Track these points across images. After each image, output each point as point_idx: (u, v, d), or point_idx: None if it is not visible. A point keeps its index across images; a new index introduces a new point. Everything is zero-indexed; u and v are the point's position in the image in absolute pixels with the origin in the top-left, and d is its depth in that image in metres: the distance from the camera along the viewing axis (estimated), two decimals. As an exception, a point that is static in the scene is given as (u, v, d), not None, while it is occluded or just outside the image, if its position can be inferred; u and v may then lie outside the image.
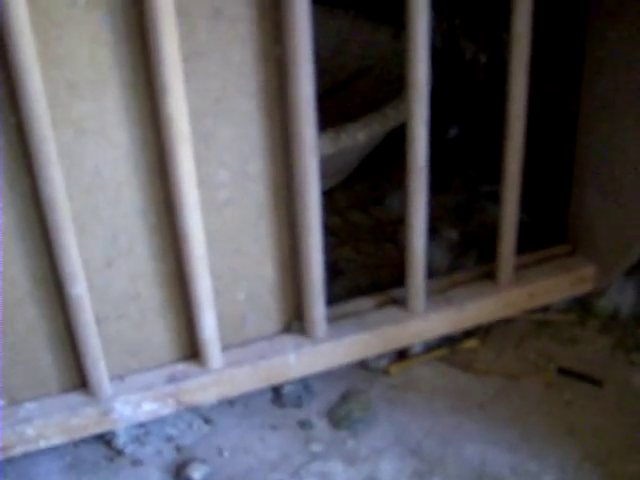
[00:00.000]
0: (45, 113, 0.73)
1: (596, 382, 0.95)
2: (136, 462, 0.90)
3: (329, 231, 0.92)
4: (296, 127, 0.80)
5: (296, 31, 0.77)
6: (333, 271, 1.02)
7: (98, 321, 0.84)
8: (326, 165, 0.88)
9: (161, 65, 0.74)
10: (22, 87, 0.71)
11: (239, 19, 0.77)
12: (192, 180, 0.79)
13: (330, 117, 0.92)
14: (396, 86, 1.14)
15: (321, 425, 0.92)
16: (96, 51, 0.74)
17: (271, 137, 0.82)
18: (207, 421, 0.93)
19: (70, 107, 0.75)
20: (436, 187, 0.94)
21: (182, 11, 0.74)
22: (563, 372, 0.96)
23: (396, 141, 1.07)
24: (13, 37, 0.69)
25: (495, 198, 0.98)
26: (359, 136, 1.09)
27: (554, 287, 1.00)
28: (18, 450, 0.86)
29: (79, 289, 0.81)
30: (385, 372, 0.97)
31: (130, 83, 0.75)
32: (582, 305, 1.03)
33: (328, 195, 1.09)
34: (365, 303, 0.96)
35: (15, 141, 0.74)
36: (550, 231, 1.06)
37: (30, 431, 0.86)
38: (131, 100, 0.76)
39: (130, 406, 0.88)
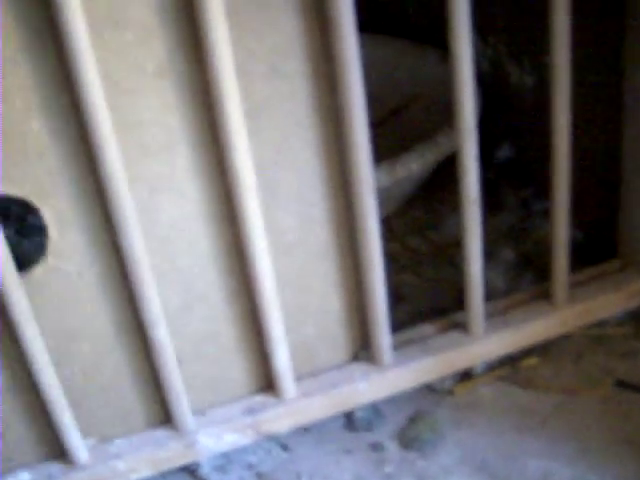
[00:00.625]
0: (122, 174, 0.78)
1: (653, 393, 0.99)
2: (220, 490, 0.96)
3: (389, 257, 0.96)
4: (353, 170, 0.85)
5: (348, 83, 0.81)
6: (395, 297, 1.06)
7: (179, 361, 0.90)
8: (382, 195, 0.92)
9: (225, 123, 0.79)
10: (100, 152, 0.77)
11: (294, 75, 0.82)
12: (260, 226, 0.85)
13: (383, 144, 0.96)
14: (446, 111, 1.19)
15: (392, 447, 0.97)
16: (165, 115, 0.79)
17: (331, 181, 0.87)
18: (285, 448, 0.98)
19: (144, 167, 0.81)
20: (490, 208, 0.98)
21: (242, 72, 0.79)
22: (620, 385, 1.00)
23: (449, 164, 1.12)
24: (90, 108, 0.75)
25: (548, 216, 1.02)
26: (413, 166, 1.13)
27: (608, 303, 1.04)
28: (111, 484, 0.93)
29: (161, 333, 0.87)
30: (450, 393, 1.01)
31: (198, 142, 0.81)
32: (636, 318, 1.06)
33: (386, 222, 1.14)
34: (428, 329, 1.01)
35: (95, 202, 0.81)
36: (602, 247, 1.10)
37: (121, 466, 0.92)
38: (200, 157, 0.82)
39: (212, 438, 0.94)
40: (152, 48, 0.76)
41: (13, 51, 0.73)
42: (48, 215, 0.80)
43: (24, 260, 0.81)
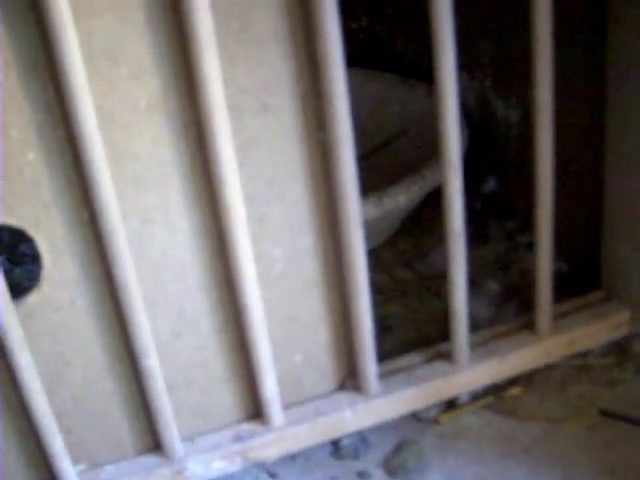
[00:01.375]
0: (115, 205, 0.80)
1: (636, 422, 0.99)
2: (208, 516, 0.97)
3: (376, 288, 0.98)
4: (341, 204, 0.88)
5: (336, 117, 0.84)
6: (381, 327, 1.08)
7: (169, 388, 0.91)
8: (370, 227, 0.93)
9: (217, 158, 0.81)
10: (93, 184, 0.79)
11: (284, 111, 0.84)
12: (249, 257, 0.86)
13: (370, 177, 0.98)
14: (433, 145, 1.21)
15: (378, 475, 0.98)
16: (158, 148, 0.81)
17: (319, 214, 0.89)
18: (272, 475, 0.99)
19: (137, 199, 0.83)
20: (475, 239, 1.00)
21: (233, 107, 0.81)
22: (604, 414, 1.01)
23: (437, 196, 1.14)
24: (85, 140, 0.77)
25: (532, 248, 1.04)
26: (400, 200, 1.15)
27: (592, 333, 1.05)
28: (100, 510, 0.94)
29: (151, 361, 0.88)
30: (435, 422, 1.03)
31: (190, 175, 0.83)
32: (620, 348, 1.08)
33: (373, 253, 1.16)
34: (414, 359, 1.02)
35: (89, 232, 0.82)
36: (585, 278, 1.12)
37: (111, 492, 0.94)
38: (191, 190, 0.84)
39: (201, 465, 0.95)
40: (146, 83, 0.79)
41: (11, 84, 0.75)
42: (42, 244, 0.82)
43: (15, 288, 0.82)
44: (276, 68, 0.82)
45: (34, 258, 0.83)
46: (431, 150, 1.20)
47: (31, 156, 0.78)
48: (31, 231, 0.81)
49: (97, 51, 0.76)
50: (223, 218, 0.84)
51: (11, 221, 0.80)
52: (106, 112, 0.78)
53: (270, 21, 0.80)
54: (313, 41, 0.81)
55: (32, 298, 0.84)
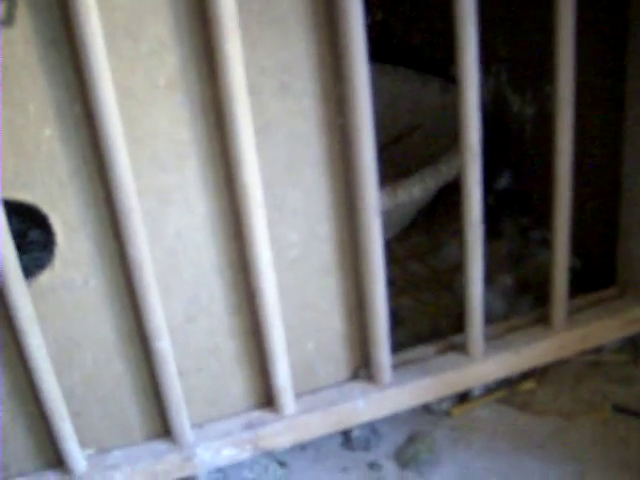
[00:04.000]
0: (131, 184, 0.80)
1: (650, 419, 0.99)
2: (216, 504, 0.96)
3: (389, 281, 0.97)
4: (359, 191, 0.87)
5: (357, 103, 0.83)
6: (394, 319, 1.07)
7: (180, 373, 0.90)
8: (384, 219, 0.93)
9: (235, 139, 0.80)
10: (110, 162, 0.78)
11: (304, 94, 0.83)
12: (265, 241, 0.85)
13: (384, 171, 0.98)
14: (447, 139, 1.20)
15: (389, 466, 0.97)
16: (176, 128, 0.81)
17: (336, 200, 0.88)
18: (282, 465, 0.98)
19: (153, 179, 0.82)
20: (489, 234, 0.99)
21: (253, 88, 0.80)
22: (617, 410, 1.00)
23: (451, 191, 1.13)
24: (103, 117, 0.76)
25: (546, 244, 1.03)
26: (414, 191, 1.15)
27: (606, 329, 1.05)
28: (107, 495, 0.93)
29: (163, 343, 0.87)
30: (448, 414, 1.02)
31: (208, 156, 0.82)
32: (634, 345, 1.07)
33: (386, 246, 1.15)
34: (427, 350, 1.02)
35: (104, 211, 0.82)
36: (600, 274, 1.11)
37: (118, 477, 0.92)
38: (209, 171, 0.83)
39: (210, 452, 0.94)
40: (165, 61, 0.78)
41: (30, 58, 0.74)
42: (56, 222, 0.81)
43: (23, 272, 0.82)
44: (297, 49, 0.81)
45: (43, 244, 0.82)
46: (445, 145, 1.21)
47: (48, 132, 0.77)
48: (45, 208, 0.80)
49: (117, 27, 0.75)
50: (240, 201, 0.83)
51: (26, 197, 0.79)
52: (125, 89, 0.78)
53: (292, 1, 0.79)
54: (335, 24, 0.80)
55: (44, 277, 0.83)
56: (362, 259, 0.91)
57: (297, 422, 0.96)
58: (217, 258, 0.87)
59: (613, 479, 0.93)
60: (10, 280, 0.80)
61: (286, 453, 0.98)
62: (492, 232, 1.20)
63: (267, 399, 0.96)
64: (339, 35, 0.80)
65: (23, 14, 0.73)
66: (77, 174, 0.79)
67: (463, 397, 1.03)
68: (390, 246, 1.25)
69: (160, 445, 0.94)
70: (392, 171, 1.17)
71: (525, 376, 1.04)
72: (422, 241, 1.28)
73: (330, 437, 0.99)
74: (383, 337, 0.95)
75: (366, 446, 0.99)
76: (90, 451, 0.93)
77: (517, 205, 1.29)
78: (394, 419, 1.00)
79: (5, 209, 0.77)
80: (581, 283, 1.09)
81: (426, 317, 1.14)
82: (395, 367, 0.98)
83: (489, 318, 1.02)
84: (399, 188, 1.14)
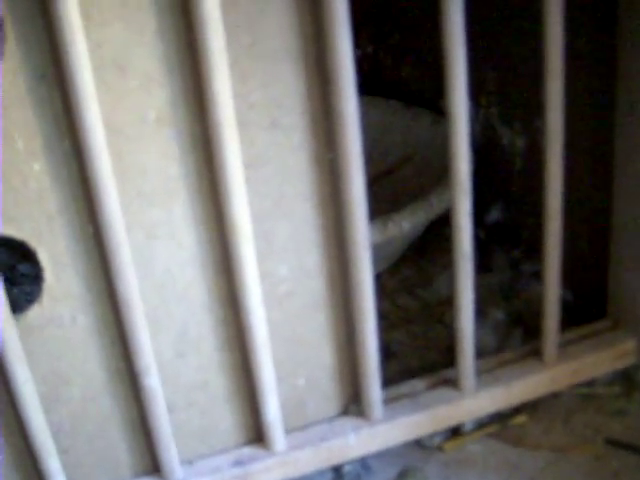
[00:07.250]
0: (120, 220, 0.79)
1: (642, 452, 0.99)
2: (206, 542, 0.95)
3: (379, 315, 0.97)
4: (349, 225, 0.86)
5: (346, 137, 0.83)
6: (385, 354, 1.07)
7: (169, 409, 0.89)
8: (374, 253, 0.92)
9: (224, 174, 0.80)
10: (99, 197, 0.78)
11: (293, 129, 0.83)
12: (255, 276, 0.85)
13: (374, 204, 0.97)
14: (437, 171, 1.20)
15: (380, 502, 0.97)
16: (165, 162, 0.80)
17: (326, 234, 0.88)
18: (272, 501, 0.97)
19: (142, 214, 0.81)
20: (480, 267, 0.99)
21: (242, 123, 0.80)
22: (610, 443, 1.00)
23: (441, 224, 1.13)
24: (91, 152, 0.76)
25: (537, 277, 1.03)
26: (405, 225, 1.14)
27: (598, 362, 1.04)
28: (96, 532, 0.92)
29: (152, 380, 0.87)
30: (439, 449, 1.01)
31: (196, 191, 0.82)
32: (626, 378, 1.07)
33: (376, 279, 1.14)
34: (418, 384, 1.01)
35: (92, 247, 0.81)
36: (592, 306, 1.11)
37: (107, 515, 0.92)
38: (198, 206, 0.82)
39: (200, 489, 0.93)
40: (155, 95, 0.78)
41: (19, 93, 0.74)
42: (44, 258, 0.80)
43: (13, 306, 0.81)
44: (287, 84, 0.81)
45: (33, 278, 0.81)
46: (435, 177, 1.21)
47: (37, 167, 0.77)
48: (34, 244, 0.79)
49: (106, 61, 0.75)
50: (229, 235, 0.83)
51: (14, 233, 0.78)
52: (114, 124, 0.77)
53: (281, 36, 0.79)
54: (325, 58, 0.80)
55: (32, 313, 0.82)
56: (352, 293, 0.90)
57: (287, 458, 0.95)
58: (207, 293, 0.86)
59: (606, 514, 0.92)
60: (-2, 316, 0.79)
61: (276, 489, 0.97)
62: (483, 265, 1.20)
63: (257, 435, 0.95)
64: (328, 70, 0.80)
65: (13, 48, 0.73)
66: (66, 209, 0.79)
67: (455, 432, 1.02)
68: (380, 279, 1.25)
69: (149, 482, 0.93)
70: (383, 204, 1.17)
71: (517, 410, 1.03)
72: (412, 274, 1.28)
73: (321, 473, 0.98)
74: (374, 372, 0.94)
75: (357, 482, 0.99)
76: (78, 488, 0.92)
77: (507, 238, 1.29)
78: (385, 454, 0.99)
79: (-7, 243, 0.77)
80: (573, 316, 1.09)
81: (417, 351, 1.14)
82: (386, 402, 0.97)
83: (480, 352, 1.02)
84: (389, 222, 1.14)
